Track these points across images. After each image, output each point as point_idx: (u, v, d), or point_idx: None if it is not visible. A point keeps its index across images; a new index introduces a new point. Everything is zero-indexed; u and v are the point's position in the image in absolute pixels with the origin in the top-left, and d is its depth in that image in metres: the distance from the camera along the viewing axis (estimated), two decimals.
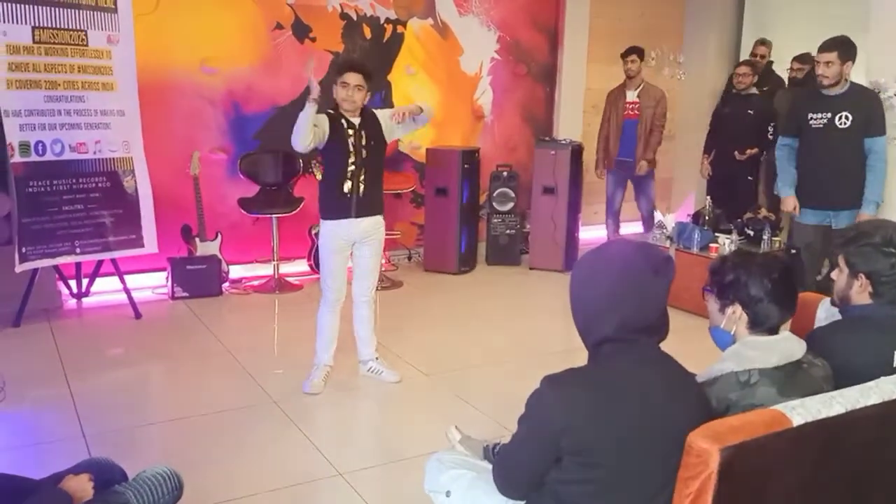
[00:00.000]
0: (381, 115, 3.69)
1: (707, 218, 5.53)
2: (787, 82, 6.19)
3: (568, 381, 1.64)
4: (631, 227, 6.84)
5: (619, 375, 1.64)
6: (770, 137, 5.99)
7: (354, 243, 3.69)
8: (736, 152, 6.00)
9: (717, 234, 5.34)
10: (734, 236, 5.26)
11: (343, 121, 3.57)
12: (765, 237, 5.24)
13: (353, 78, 3.50)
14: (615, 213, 6.41)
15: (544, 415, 1.63)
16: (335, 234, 3.64)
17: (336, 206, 3.62)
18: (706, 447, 1.51)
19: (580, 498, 1.64)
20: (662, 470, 1.60)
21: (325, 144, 3.58)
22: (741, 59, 6.71)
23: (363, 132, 3.59)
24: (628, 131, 6.09)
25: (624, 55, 6.02)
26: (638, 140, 6.05)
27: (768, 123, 5.95)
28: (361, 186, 3.59)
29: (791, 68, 6.05)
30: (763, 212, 5.65)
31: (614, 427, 1.58)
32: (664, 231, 5.50)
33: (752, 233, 5.37)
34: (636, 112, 6.06)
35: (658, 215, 5.72)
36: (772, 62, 6.58)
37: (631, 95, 6.09)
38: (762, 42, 6.53)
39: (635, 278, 1.65)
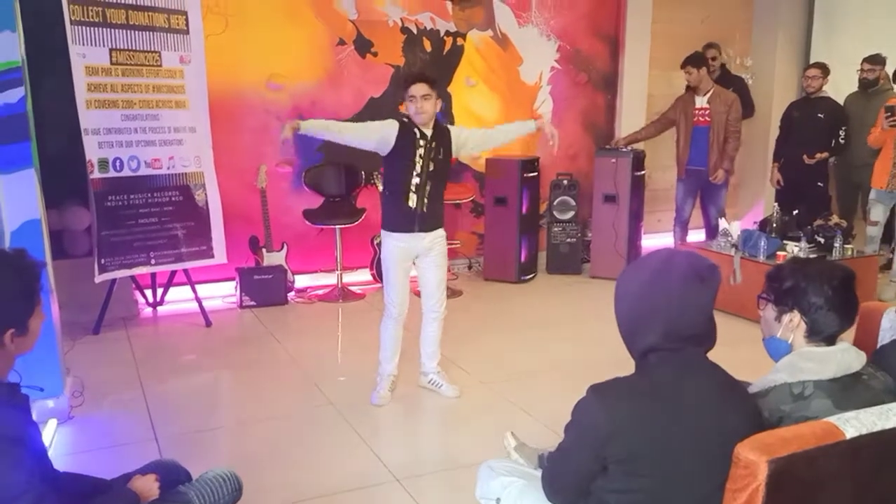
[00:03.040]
0: (454, 130, 3.65)
1: (775, 225, 5.39)
2: (857, 83, 5.98)
3: (613, 390, 1.65)
4: (694, 236, 6.70)
5: (664, 384, 1.64)
6: (841, 142, 5.81)
7: (417, 256, 3.68)
8: (805, 156, 5.82)
9: (785, 242, 5.20)
10: (803, 244, 5.11)
11: (416, 130, 3.51)
12: (836, 245, 5.08)
13: (419, 89, 3.45)
14: (684, 222, 6.23)
15: (589, 423, 1.64)
16: (396, 247, 3.62)
17: (400, 220, 3.58)
18: (754, 459, 1.50)
19: None
20: (709, 481, 1.59)
21: (389, 153, 3.53)
22: (811, 62, 6.52)
23: (434, 143, 3.53)
24: (698, 138, 5.88)
25: (682, 66, 5.84)
26: (710, 148, 5.83)
27: (839, 127, 5.77)
28: (426, 200, 3.54)
29: (861, 69, 5.84)
30: (835, 219, 5.47)
31: (659, 436, 1.58)
32: (729, 239, 5.38)
33: (822, 240, 5.21)
34: (707, 119, 5.84)
35: (723, 223, 5.59)
36: (724, 64, 6.57)
37: (700, 101, 5.87)
38: (710, 45, 6.42)
39: (680, 286, 1.64)
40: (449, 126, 3.68)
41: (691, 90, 5.96)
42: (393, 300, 3.71)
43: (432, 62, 6.09)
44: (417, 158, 3.50)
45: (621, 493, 1.63)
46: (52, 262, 3.68)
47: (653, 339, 1.66)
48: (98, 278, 4.56)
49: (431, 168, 3.53)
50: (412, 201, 3.54)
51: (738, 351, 2.68)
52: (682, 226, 6.25)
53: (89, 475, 2.02)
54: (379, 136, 3.53)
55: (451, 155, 3.64)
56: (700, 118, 5.88)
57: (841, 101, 5.99)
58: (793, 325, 1.85)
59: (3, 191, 3.14)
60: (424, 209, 3.56)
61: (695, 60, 5.83)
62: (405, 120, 3.56)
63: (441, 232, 3.70)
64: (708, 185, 5.97)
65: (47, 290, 3.08)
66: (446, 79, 6.20)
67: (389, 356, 3.80)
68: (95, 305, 4.76)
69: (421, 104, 3.46)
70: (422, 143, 3.51)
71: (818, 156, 5.80)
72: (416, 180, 3.52)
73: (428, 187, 3.54)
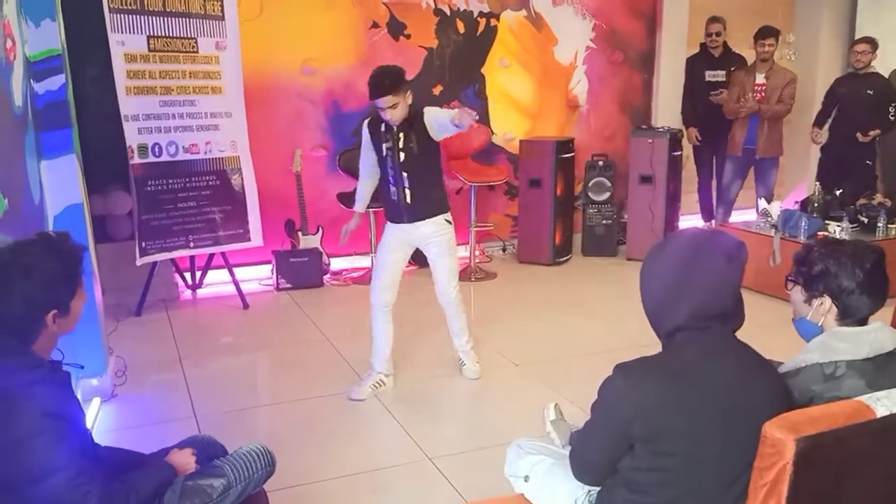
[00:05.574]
0: (430, 113, 3.42)
1: (816, 205, 5.27)
2: None
3: (639, 369, 1.64)
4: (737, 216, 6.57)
5: (690, 363, 1.63)
6: (891, 118, 5.64)
7: (418, 246, 3.64)
8: (858, 134, 5.64)
9: (826, 222, 5.08)
10: (845, 223, 4.98)
11: (382, 123, 3.46)
12: (879, 224, 4.96)
13: (384, 102, 3.32)
14: (729, 202, 6.11)
15: (615, 402, 1.64)
16: (392, 234, 3.59)
17: (390, 210, 3.56)
18: (781, 437, 1.48)
19: (652, 486, 1.64)
20: (737, 459, 1.58)
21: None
22: (857, 36, 6.32)
23: (402, 134, 3.42)
24: (755, 116, 5.75)
25: (759, 37, 5.67)
26: (760, 125, 5.71)
27: (889, 104, 5.59)
28: (408, 192, 3.46)
29: None
30: (879, 198, 5.33)
31: (685, 415, 1.57)
32: (768, 219, 5.28)
33: (865, 220, 5.08)
34: (762, 95, 5.71)
35: (762, 203, 5.49)
36: (726, 41, 6.22)
37: (759, 77, 5.73)
38: (715, 19, 6.15)
39: (707, 265, 1.63)
40: (427, 108, 3.46)
41: (751, 66, 5.82)
42: (375, 284, 3.65)
43: (465, 44, 6.07)
44: (385, 151, 3.47)
45: (647, 471, 1.63)
46: (95, 246, 3.79)
47: (680, 319, 1.64)
48: (139, 261, 4.67)
49: (402, 158, 3.43)
50: (393, 193, 3.50)
51: (777, 333, 2.65)
52: (726, 206, 6.14)
53: (128, 449, 2.09)
54: (368, 149, 3.54)
55: (428, 141, 3.44)
56: (758, 95, 5.74)
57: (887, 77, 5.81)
58: (823, 310, 1.82)
59: (46, 176, 3.22)
60: (408, 200, 3.47)
61: (777, 33, 5.68)
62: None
63: (439, 220, 3.56)
64: (759, 164, 5.85)
65: (89, 273, 3.17)
66: (480, 60, 6.18)
67: (377, 353, 3.70)
68: (138, 288, 4.87)
69: (391, 114, 3.36)
70: (387, 135, 3.46)
71: (871, 133, 5.62)
72: (390, 172, 3.49)
73: (405, 179, 3.46)
